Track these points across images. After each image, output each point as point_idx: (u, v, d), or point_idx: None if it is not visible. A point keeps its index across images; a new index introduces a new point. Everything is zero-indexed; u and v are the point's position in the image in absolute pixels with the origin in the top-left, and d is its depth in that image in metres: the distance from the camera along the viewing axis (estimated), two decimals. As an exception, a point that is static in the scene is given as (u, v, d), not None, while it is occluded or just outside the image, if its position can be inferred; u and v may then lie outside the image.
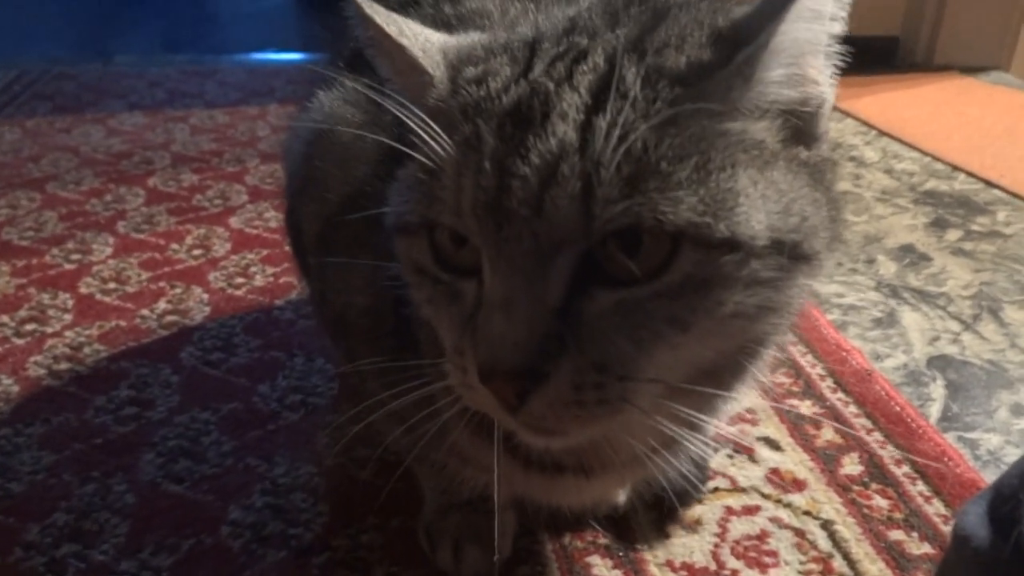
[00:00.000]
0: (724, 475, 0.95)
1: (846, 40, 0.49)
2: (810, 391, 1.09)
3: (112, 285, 1.37)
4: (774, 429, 1.02)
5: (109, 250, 1.49)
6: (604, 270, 0.46)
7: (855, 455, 0.97)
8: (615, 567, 0.83)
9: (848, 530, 0.87)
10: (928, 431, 1.01)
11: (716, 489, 0.93)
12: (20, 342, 1.21)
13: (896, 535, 0.86)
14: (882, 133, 2.17)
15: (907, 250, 1.54)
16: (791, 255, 0.47)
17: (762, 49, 0.45)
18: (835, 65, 0.49)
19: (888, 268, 1.48)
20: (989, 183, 1.85)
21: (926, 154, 2.02)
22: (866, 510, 0.89)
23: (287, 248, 1.47)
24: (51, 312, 1.29)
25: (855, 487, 0.93)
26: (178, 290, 1.36)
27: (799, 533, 0.87)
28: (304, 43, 2.96)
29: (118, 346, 1.20)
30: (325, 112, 0.77)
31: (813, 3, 0.45)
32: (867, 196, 1.79)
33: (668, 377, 0.50)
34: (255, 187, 1.78)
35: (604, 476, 0.68)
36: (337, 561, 0.84)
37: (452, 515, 0.84)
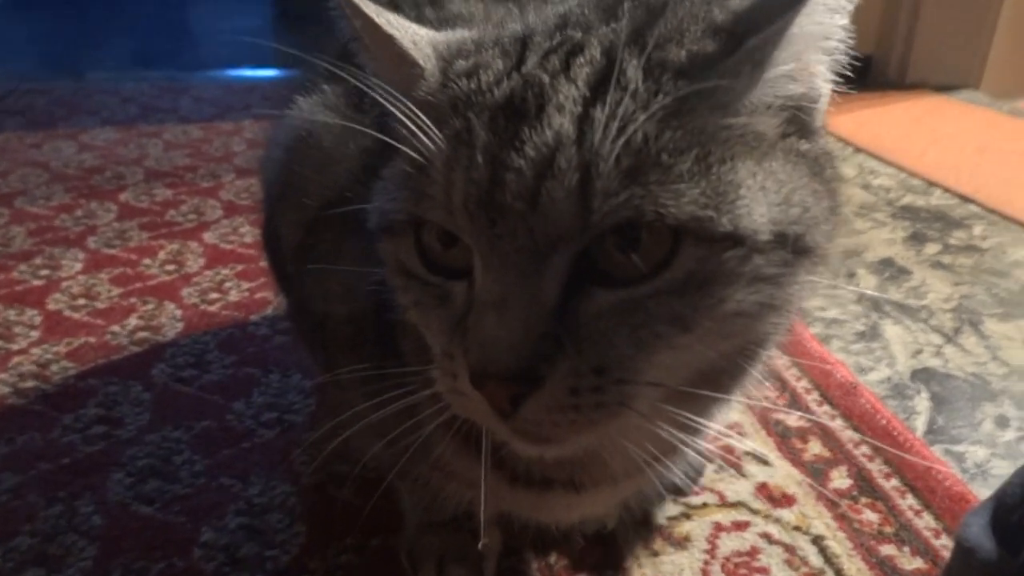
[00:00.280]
0: (712, 490, 0.93)
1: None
2: (796, 404, 1.08)
3: (81, 301, 1.33)
4: (761, 443, 1.01)
5: (79, 265, 1.45)
6: (601, 269, 0.45)
7: (843, 468, 0.96)
8: (603, 586, 0.81)
9: (839, 545, 0.85)
10: (915, 444, 1.00)
11: (704, 504, 0.91)
12: (-16, 360, 1.17)
13: (887, 550, 0.85)
14: (858, 149, 2.19)
15: (887, 264, 1.55)
16: (794, 249, 0.46)
17: (768, 42, 0.44)
18: (836, 61, 0.48)
19: (868, 282, 1.48)
20: (964, 198, 1.86)
21: (902, 170, 2.04)
22: (856, 525, 0.88)
23: (263, 263, 1.44)
24: (17, 329, 1.25)
25: (845, 501, 0.91)
26: (150, 306, 1.32)
27: (789, 549, 0.85)
28: (279, 60, 2.94)
29: (87, 363, 1.16)
30: (305, 117, 0.75)
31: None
32: (845, 211, 1.78)
33: (668, 380, 0.48)
34: (230, 202, 1.75)
35: (594, 491, 0.66)
36: (315, 583, 0.81)
37: (435, 534, 0.82)
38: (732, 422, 1.03)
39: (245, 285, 1.39)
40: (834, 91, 0.51)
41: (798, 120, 0.49)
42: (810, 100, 0.49)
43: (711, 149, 0.44)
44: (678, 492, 0.91)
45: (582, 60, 0.46)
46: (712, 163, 0.43)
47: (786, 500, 0.91)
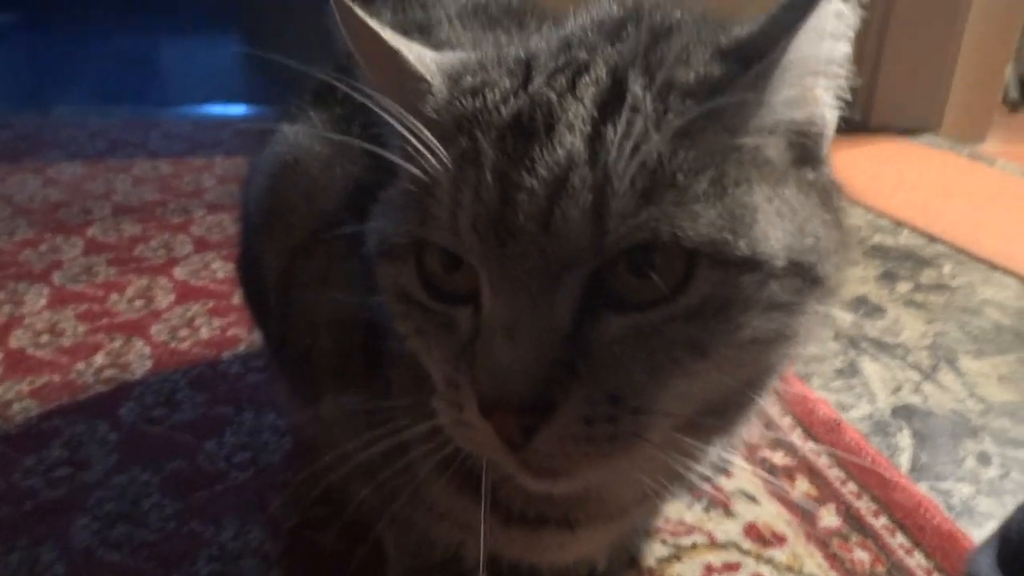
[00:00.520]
0: (701, 530, 0.91)
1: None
2: (781, 442, 1.07)
3: (45, 338, 1.29)
4: (748, 481, 0.99)
5: (43, 301, 1.41)
6: (613, 293, 0.43)
7: (832, 507, 0.95)
8: (594, 631, 0.78)
9: (832, 585, 0.84)
10: (902, 482, 0.99)
11: (694, 545, 0.89)
12: (-60, 399, 1.12)
13: (880, 589, 0.83)
14: (827, 190, 2.22)
15: (861, 301, 1.56)
16: (807, 278, 0.45)
17: (773, 66, 0.44)
18: (839, 88, 0.48)
19: (844, 319, 1.48)
20: (932, 238, 1.89)
21: (870, 210, 2.07)
22: (848, 564, 0.86)
23: (235, 299, 1.42)
24: (-24, 367, 1.20)
25: (835, 540, 0.90)
26: (117, 343, 1.28)
27: (782, 590, 0.83)
28: (252, 97, 2.93)
29: (51, 402, 1.12)
30: (290, 144, 0.73)
31: (821, 22, 0.45)
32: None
33: (681, 409, 0.46)
34: (201, 238, 1.71)
35: (589, 529, 0.64)
36: (293, 633, 0.78)
37: (422, 580, 0.78)
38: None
39: (216, 322, 1.36)
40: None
41: (805, 148, 0.48)
42: (815, 127, 0.49)
43: (725, 171, 0.43)
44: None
45: (587, 80, 0.45)
46: (727, 185, 0.43)
47: (776, 540, 0.90)
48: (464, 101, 0.47)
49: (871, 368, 1.31)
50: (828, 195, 0.49)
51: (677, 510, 0.94)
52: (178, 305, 1.41)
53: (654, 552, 0.87)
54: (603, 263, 0.43)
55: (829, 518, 0.93)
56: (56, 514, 0.91)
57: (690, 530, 0.91)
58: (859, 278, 1.66)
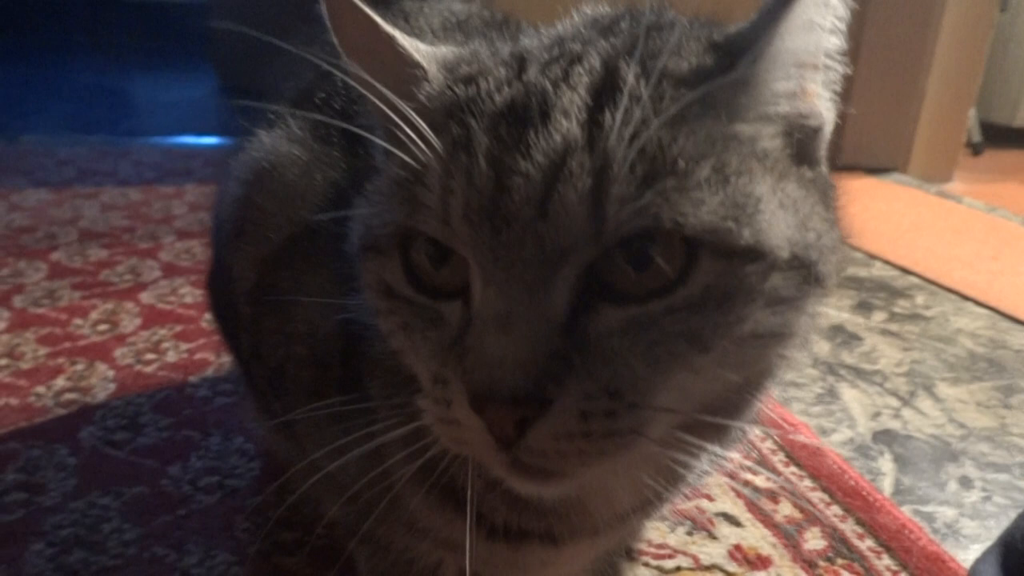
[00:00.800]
0: (685, 553, 0.88)
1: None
2: (763, 465, 1.05)
3: (3, 361, 1.24)
4: (731, 504, 0.97)
5: (2, 324, 1.36)
6: (610, 285, 0.42)
7: (816, 530, 0.93)
8: (576, 658, 0.75)
9: (820, 608, 0.81)
10: (885, 505, 0.97)
11: (679, 568, 0.86)
12: None
13: (869, 612, 0.81)
14: (800, 224, 2.24)
15: (838, 330, 1.56)
16: (808, 274, 0.44)
17: (761, 56, 0.44)
18: (834, 84, 0.48)
19: (822, 347, 1.48)
20: (905, 270, 1.91)
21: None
22: (835, 587, 0.84)
23: (204, 323, 1.38)
24: (-71, 390, 1.15)
25: (821, 563, 0.88)
26: (79, 367, 1.23)
27: (769, 613, 0.81)
28: (224, 129, 2.92)
29: (7, 426, 1.07)
30: (267, 150, 0.71)
31: (807, 12, 0.45)
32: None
33: (681, 406, 0.44)
34: (169, 263, 1.68)
35: (573, 544, 0.61)
36: (259, 662, 0.73)
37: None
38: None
39: (184, 346, 1.32)
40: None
41: (803, 145, 0.48)
42: (812, 123, 0.48)
43: (726, 160, 0.42)
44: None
45: (581, 70, 0.44)
46: (729, 175, 0.42)
47: (762, 562, 0.87)
48: (457, 89, 0.46)
49: (850, 394, 1.31)
50: (827, 195, 0.49)
51: (660, 533, 0.91)
52: (144, 329, 1.37)
53: (637, 575, 0.85)
54: (600, 254, 0.41)
55: (814, 541, 0.91)
56: (10, 540, 0.86)
57: (673, 553, 0.88)
58: (834, 307, 1.67)
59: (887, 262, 1.96)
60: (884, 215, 2.36)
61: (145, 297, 1.50)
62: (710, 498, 0.98)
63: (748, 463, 1.01)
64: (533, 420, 0.40)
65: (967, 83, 2.95)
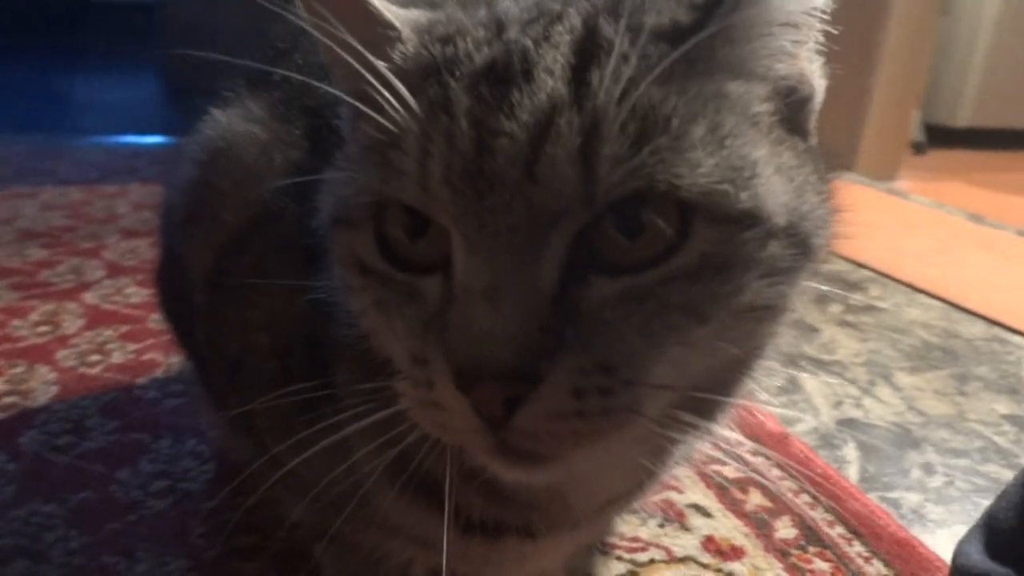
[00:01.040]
0: (658, 546, 0.87)
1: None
2: (731, 454, 1.04)
3: (-65, 365, 1.17)
4: (701, 495, 0.96)
5: (-67, 327, 1.28)
6: (601, 256, 0.39)
7: (787, 518, 0.92)
8: (551, 655, 0.73)
9: (794, 597, 0.80)
10: (853, 492, 0.97)
11: (652, 561, 0.84)
12: None
13: (843, 599, 0.80)
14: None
15: (796, 322, 1.57)
16: (803, 246, 0.43)
17: (739, 7, 0.42)
18: (817, 41, 0.46)
19: (781, 338, 1.48)
20: (858, 264, 1.94)
21: (797, 239, 2.12)
22: (808, 575, 0.83)
23: (153, 324, 1.32)
24: None
25: (793, 551, 0.87)
26: (19, 369, 1.17)
27: (744, 604, 0.80)
28: (167, 128, 2.84)
29: (-61, 432, 1.00)
30: (223, 129, 0.67)
31: None
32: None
33: (677, 382, 0.42)
34: (114, 263, 1.61)
35: (551, 538, 0.59)
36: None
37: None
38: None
39: (131, 346, 1.26)
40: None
41: (793, 114, 0.46)
42: (801, 91, 0.47)
43: (720, 122, 0.40)
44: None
45: (562, 28, 0.42)
46: (724, 136, 0.40)
47: (735, 553, 0.86)
48: (433, 49, 0.43)
49: (812, 384, 1.31)
50: (819, 167, 0.47)
51: (631, 526, 0.89)
52: (88, 330, 1.31)
53: (611, 569, 0.83)
54: (590, 220, 0.39)
55: (785, 530, 0.90)
56: (-58, 552, 0.80)
57: (646, 546, 0.86)
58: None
59: (840, 256, 1.99)
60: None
61: (89, 297, 1.44)
62: (680, 490, 0.96)
63: (716, 453, 1.00)
64: (523, 399, 0.38)
65: (912, 84, 3.03)
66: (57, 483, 0.92)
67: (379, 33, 0.45)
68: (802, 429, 1.16)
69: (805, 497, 0.96)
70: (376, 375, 0.49)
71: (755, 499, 0.96)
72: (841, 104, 2.85)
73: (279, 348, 0.61)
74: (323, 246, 0.51)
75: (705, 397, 0.45)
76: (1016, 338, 1.57)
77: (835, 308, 1.65)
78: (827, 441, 1.14)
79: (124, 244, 1.72)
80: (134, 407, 1.09)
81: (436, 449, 0.51)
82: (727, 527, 0.90)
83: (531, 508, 0.56)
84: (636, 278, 0.39)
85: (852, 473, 1.06)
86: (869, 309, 1.67)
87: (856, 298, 1.72)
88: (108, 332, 1.30)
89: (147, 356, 1.23)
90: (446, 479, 0.50)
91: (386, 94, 0.41)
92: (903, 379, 1.36)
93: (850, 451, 1.12)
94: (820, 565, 0.85)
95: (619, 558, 0.84)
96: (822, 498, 0.96)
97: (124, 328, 1.32)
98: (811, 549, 0.87)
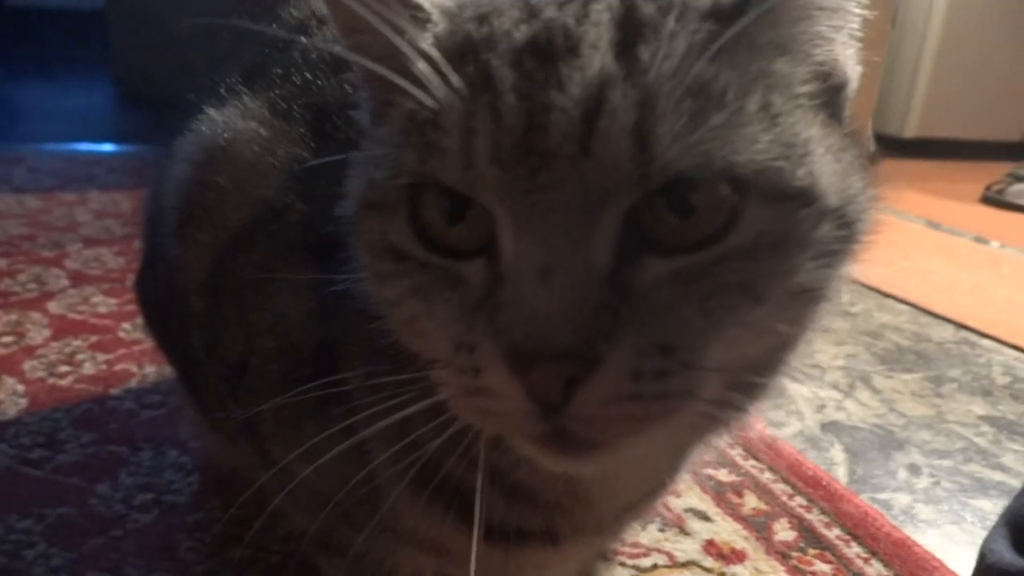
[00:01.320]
0: (660, 551, 0.86)
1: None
2: (724, 459, 1.04)
3: None
4: (697, 499, 0.96)
5: None
6: (652, 236, 0.38)
7: (784, 521, 0.92)
8: (561, 664, 0.71)
9: (798, 599, 0.80)
10: (846, 493, 0.98)
11: (655, 566, 0.84)
12: None
13: (846, 600, 0.80)
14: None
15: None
16: (849, 231, 0.42)
17: None
18: (853, 29, 0.46)
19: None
20: (827, 270, 1.97)
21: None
22: (810, 576, 0.84)
23: (124, 334, 1.28)
24: None
25: (794, 554, 0.87)
26: (-17, 381, 1.12)
27: (749, 607, 0.79)
28: (121, 135, 2.77)
29: (-99, 448, 0.95)
30: (220, 127, 0.65)
31: None
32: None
33: (732, 364, 0.42)
34: (78, 271, 1.55)
35: (573, 543, 0.58)
36: None
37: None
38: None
39: (102, 357, 1.21)
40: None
41: (831, 99, 0.46)
42: (835, 79, 0.46)
43: (770, 100, 0.40)
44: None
45: (599, 7, 0.41)
46: (776, 114, 0.39)
47: (736, 556, 0.86)
48: (468, 27, 0.42)
49: (793, 388, 1.32)
50: (859, 154, 0.47)
51: (632, 531, 0.89)
52: (55, 340, 1.26)
53: (615, 575, 0.82)
54: (641, 197, 0.38)
55: (784, 532, 0.90)
56: (-89, 574, 0.76)
57: (648, 551, 0.85)
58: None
59: (810, 263, 2.02)
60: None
61: (53, 307, 1.38)
62: (677, 494, 0.96)
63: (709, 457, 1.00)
64: (582, 381, 0.37)
65: (866, 95, 3.09)
66: (33, 498, 0.88)
67: (407, 15, 0.43)
68: (788, 433, 1.17)
69: (800, 499, 0.96)
70: (401, 370, 0.47)
71: (751, 502, 0.96)
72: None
73: (286, 351, 0.59)
74: (343, 237, 0.49)
75: (751, 380, 0.44)
76: (984, 341, 1.61)
77: (809, 313, 1.67)
78: (814, 444, 1.14)
79: (87, 252, 1.66)
80: (110, 419, 1.05)
81: (462, 452, 0.50)
82: (727, 531, 0.90)
83: (555, 510, 0.55)
84: (690, 258, 0.39)
85: (841, 475, 1.07)
86: (842, 314, 1.69)
87: (828, 303, 1.75)
88: (77, 342, 1.25)
89: (120, 367, 1.18)
90: (477, 481, 0.48)
91: (422, 70, 0.39)
92: (881, 382, 1.38)
93: (837, 453, 1.13)
94: (821, 567, 0.85)
95: (623, 564, 0.83)
96: (816, 500, 0.96)
97: (93, 338, 1.27)
98: (811, 551, 0.87)
